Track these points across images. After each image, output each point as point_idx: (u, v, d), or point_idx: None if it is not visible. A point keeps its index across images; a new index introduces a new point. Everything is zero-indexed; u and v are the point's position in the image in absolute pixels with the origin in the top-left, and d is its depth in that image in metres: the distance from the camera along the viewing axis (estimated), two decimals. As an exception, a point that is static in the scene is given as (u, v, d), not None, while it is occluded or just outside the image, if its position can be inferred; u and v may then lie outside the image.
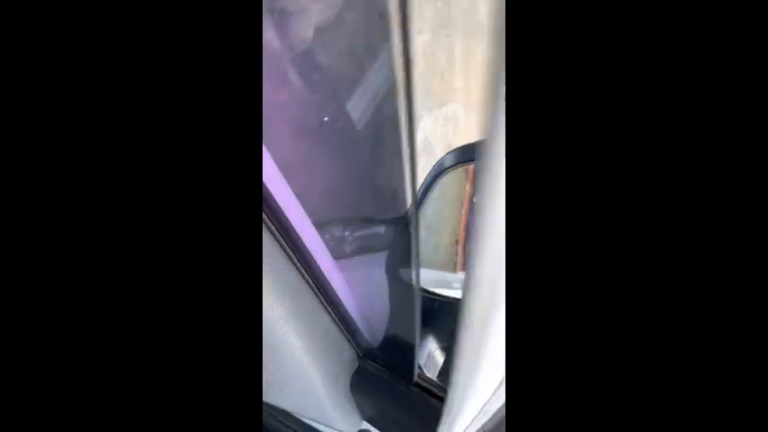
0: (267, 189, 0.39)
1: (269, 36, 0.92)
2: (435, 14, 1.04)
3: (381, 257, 0.58)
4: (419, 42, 1.05)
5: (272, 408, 0.65)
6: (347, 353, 0.57)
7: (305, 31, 1.01)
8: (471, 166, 0.66)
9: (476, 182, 0.23)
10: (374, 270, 0.59)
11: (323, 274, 0.49)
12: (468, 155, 0.66)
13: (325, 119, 1.03)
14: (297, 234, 0.44)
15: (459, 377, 0.36)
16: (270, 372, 0.53)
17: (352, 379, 0.58)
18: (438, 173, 0.67)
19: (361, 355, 0.59)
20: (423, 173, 0.69)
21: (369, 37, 1.06)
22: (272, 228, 0.42)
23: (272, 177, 0.40)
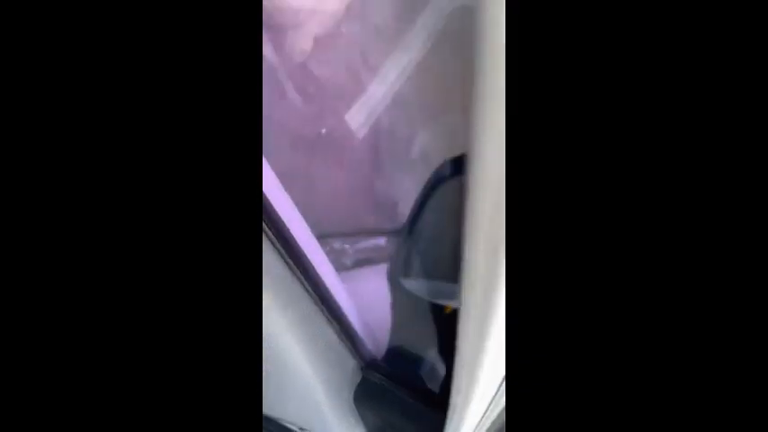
0: (267, 200, 0.39)
1: (267, 49, 0.93)
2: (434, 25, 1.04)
3: (383, 269, 0.58)
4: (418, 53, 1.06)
5: (269, 422, 0.65)
6: (350, 364, 0.57)
7: (303, 43, 1.02)
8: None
9: (465, 194, 0.23)
10: (377, 281, 0.59)
11: (325, 285, 0.49)
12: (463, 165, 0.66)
13: (323, 130, 1.03)
14: (299, 245, 0.45)
15: (460, 385, 0.37)
16: (271, 383, 0.53)
17: (355, 390, 0.57)
18: (436, 183, 0.67)
19: (364, 365, 0.58)
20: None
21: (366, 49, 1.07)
22: (273, 239, 0.42)
23: (273, 187, 0.40)
